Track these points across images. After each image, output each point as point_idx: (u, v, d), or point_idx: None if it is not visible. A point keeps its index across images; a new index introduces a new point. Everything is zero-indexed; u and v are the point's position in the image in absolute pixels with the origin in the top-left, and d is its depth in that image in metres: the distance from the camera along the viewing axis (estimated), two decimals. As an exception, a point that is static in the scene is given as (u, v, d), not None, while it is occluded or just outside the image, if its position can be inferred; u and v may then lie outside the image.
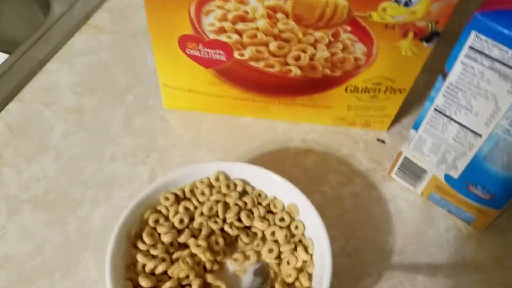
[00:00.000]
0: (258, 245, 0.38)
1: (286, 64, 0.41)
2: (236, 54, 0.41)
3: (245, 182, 0.40)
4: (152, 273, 0.35)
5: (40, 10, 0.63)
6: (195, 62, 0.43)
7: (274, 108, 0.47)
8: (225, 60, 0.42)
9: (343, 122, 0.48)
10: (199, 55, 0.42)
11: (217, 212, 0.38)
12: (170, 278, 0.35)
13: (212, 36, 0.40)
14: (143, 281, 0.34)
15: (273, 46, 0.40)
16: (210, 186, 0.39)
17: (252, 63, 0.42)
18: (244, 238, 0.38)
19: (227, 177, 0.40)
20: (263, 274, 0.37)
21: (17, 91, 0.52)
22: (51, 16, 0.60)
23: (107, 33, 0.59)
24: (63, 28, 0.59)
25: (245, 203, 0.39)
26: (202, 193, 0.39)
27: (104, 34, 0.58)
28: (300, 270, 0.37)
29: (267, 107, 0.47)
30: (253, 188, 0.40)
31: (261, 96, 0.46)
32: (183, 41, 0.41)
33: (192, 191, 0.39)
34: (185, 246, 0.37)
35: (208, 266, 0.36)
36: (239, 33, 0.40)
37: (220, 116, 0.50)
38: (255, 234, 0.39)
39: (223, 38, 0.40)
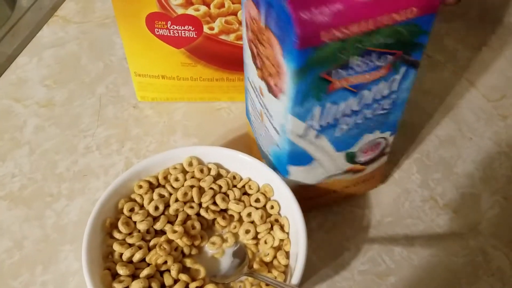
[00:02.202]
0: (235, 227, 0.38)
1: None
2: (206, 29, 0.40)
3: (219, 166, 0.40)
4: (130, 261, 0.35)
5: (6, 4, 0.62)
6: (165, 42, 0.42)
7: None
8: (195, 36, 0.41)
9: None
10: (168, 34, 0.41)
11: (192, 197, 0.38)
12: (148, 265, 0.35)
13: (180, 11, 0.39)
14: (121, 270, 0.34)
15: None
16: (184, 171, 0.39)
17: (223, 37, 0.41)
18: (220, 221, 0.38)
19: (200, 162, 0.40)
20: (241, 255, 0.37)
21: (-13, 88, 0.51)
22: (18, 9, 0.59)
23: (74, 23, 0.57)
24: (30, 21, 0.58)
25: (220, 187, 0.39)
26: (176, 179, 0.39)
27: (72, 25, 0.57)
28: (277, 248, 0.37)
29: (242, 86, 0.47)
30: (228, 171, 0.40)
31: (235, 73, 0.45)
32: (151, 20, 0.40)
33: (165, 178, 0.39)
34: (162, 232, 0.37)
35: (186, 251, 0.37)
36: (207, 3, 0.39)
37: (194, 101, 0.49)
38: (231, 216, 0.39)
39: (191, 12, 0.39)
